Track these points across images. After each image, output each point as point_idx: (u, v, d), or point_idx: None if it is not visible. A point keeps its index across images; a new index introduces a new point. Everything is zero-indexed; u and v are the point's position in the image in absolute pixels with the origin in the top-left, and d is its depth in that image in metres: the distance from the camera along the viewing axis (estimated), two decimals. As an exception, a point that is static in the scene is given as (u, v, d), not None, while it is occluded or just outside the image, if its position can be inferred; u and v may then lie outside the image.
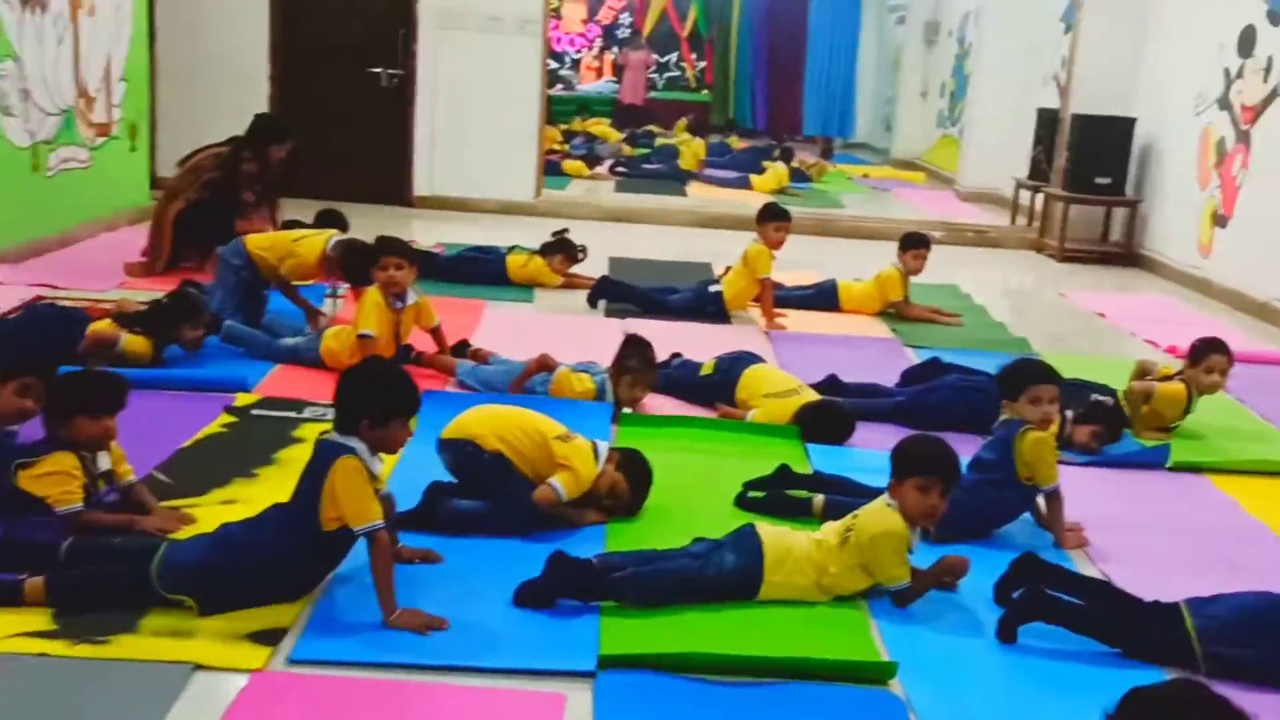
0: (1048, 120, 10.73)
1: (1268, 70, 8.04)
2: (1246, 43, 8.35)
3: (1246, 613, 3.13)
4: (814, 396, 4.92)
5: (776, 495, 4.01)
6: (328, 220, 6.34)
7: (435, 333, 5.30)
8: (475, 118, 10.02)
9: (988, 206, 12.67)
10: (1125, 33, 10.01)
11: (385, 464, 3.84)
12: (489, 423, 3.68)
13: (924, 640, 3.19)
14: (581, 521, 3.69)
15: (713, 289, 6.81)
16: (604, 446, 3.78)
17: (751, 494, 4.02)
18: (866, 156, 18.57)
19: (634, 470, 3.78)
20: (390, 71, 10.07)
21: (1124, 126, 9.67)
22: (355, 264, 5.42)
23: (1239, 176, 8.35)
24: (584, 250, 7.33)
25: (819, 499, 3.96)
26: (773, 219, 6.70)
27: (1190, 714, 1.73)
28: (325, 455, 3.04)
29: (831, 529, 3.41)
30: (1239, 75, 8.43)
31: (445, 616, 3.05)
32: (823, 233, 10.44)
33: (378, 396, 3.06)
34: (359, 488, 3.00)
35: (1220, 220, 8.60)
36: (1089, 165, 9.67)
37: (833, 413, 4.76)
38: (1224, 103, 8.63)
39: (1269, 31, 8.06)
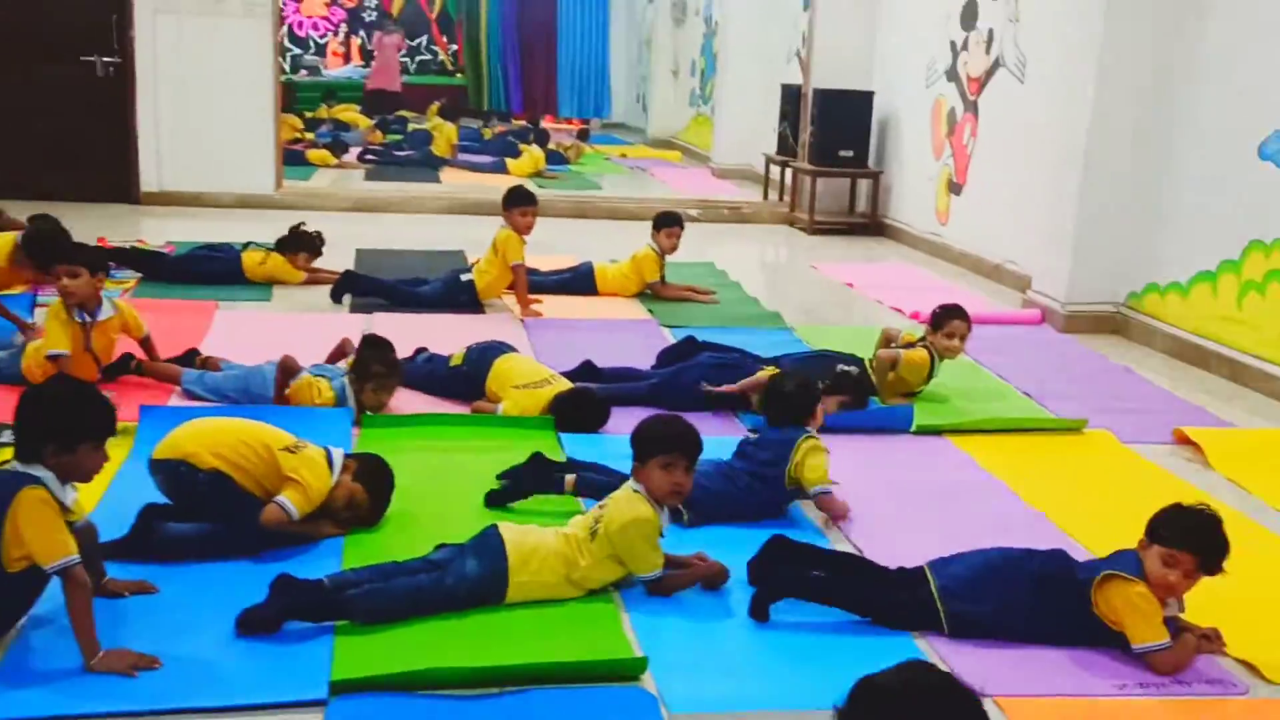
0: (791, 96, 10.96)
1: (989, 42, 8.42)
2: (969, 15, 8.72)
3: (981, 569, 3.20)
4: (566, 385, 4.79)
5: (530, 471, 3.87)
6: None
7: (145, 344, 4.87)
8: (204, 107, 9.43)
9: (743, 183, 12.89)
10: (860, 7, 10.32)
11: (95, 489, 3.54)
12: (203, 438, 3.38)
13: (677, 629, 3.11)
14: (317, 536, 3.44)
15: (464, 278, 6.60)
16: (338, 454, 3.53)
17: (497, 489, 3.84)
18: (625, 136, 18.63)
19: (373, 478, 3.56)
20: (106, 59, 9.36)
21: (863, 100, 9.97)
22: (40, 251, 4.91)
23: (969, 145, 8.73)
24: (319, 236, 6.99)
25: (571, 477, 3.86)
26: (518, 203, 6.54)
27: (919, 699, 1.67)
28: (4, 488, 2.70)
29: (579, 522, 3.30)
30: (964, 47, 8.81)
31: (158, 653, 2.77)
32: (580, 215, 10.38)
33: (61, 419, 2.74)
34: (47, 521, 2.68)
35: (955, 188, 8.97)
36: (832, 139, 9.93)
37: (586, 401, 4.65)
38: (952, 74, 9.00)
39: (989, 4, 8.44)
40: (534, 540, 3.21)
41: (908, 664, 1.73)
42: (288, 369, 4.53)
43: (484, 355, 4.91)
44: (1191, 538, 2.94)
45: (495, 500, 3.80)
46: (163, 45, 9.31)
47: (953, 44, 8.96)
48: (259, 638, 2.89)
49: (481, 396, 4.81)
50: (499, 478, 3.92)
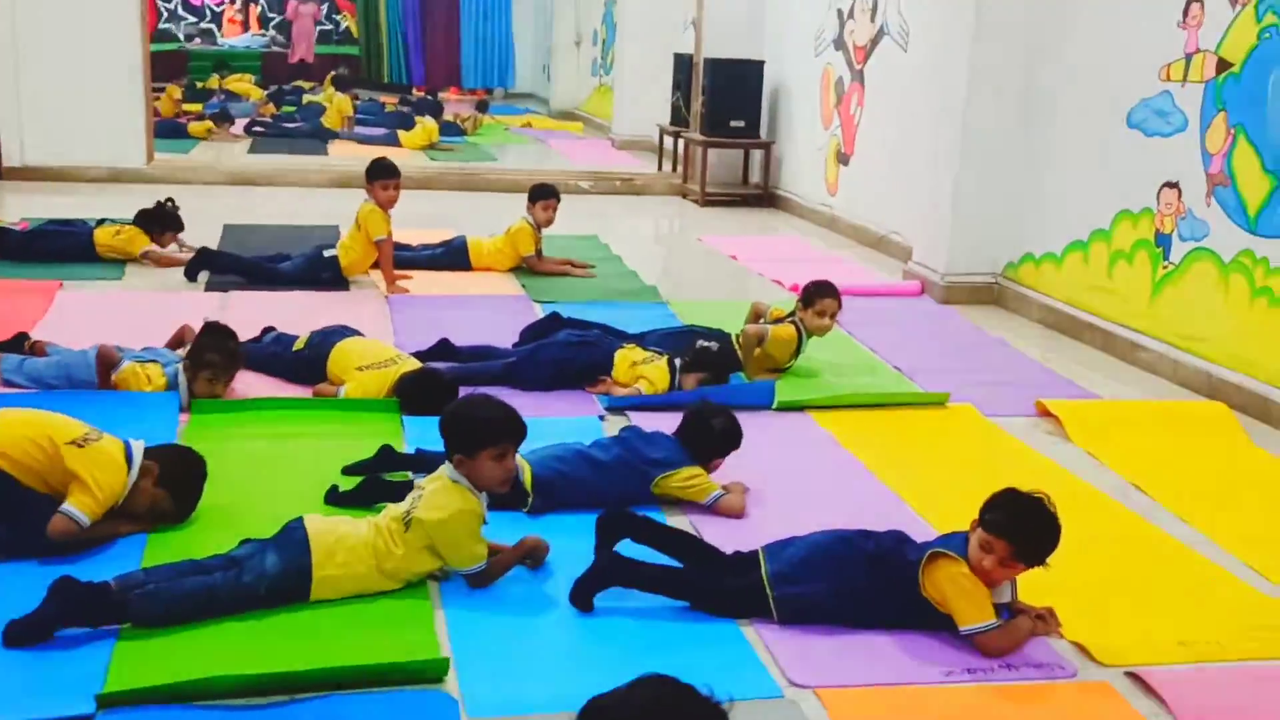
0: (684, 65, 10.80)
1: (874, 10, 8.32)
2: (855, -16, 8.62)
3: (814, 550, 3.10)
4: (414, 365, 4.60)
5: (373, 482, 3.67)
6: None
7: None
8: (68, 76, 8.99)
9: (641, 154, 12.72)
10: (751, -26, 10.19)
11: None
12: (-18, 432, 3.14)
13: (493, 626, 2.96)
14: (115, 535, 3.22)
15: (327, 254, 6.35)
16: (138, 447, 3.29)
17: (343, 489, 3.64)
18: (533, 106, 18.37)
19: (177, 475, 3.32)
20: (-41, 26, 8.91)
21: (754, 69, 9.83)
22: None
23: (856, 115, 8.64)
24: (170, 201, 6.71)
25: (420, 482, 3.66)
26: (379, 176, 6.29)
27: (651, 717, 1.54)
28: None
29: (392, 511, 3.12)
30: (850, 15, 8.70)
31: (-86, 671, 2.56)
32: (469, 188, 10.15)
33: None
34: None
35: (843, 158, 8.89)
36: (723, 109, 9.78)
37: (432, 382, 4.46)
38: (839, 43, 8.90)
39: (874, -27, 8.35)
40: (342, 531, 3.04)
41: (643, 679, 1.60)
42: (106, 360, 4.28)
43: (327, 339, 4.70)
44: (1009, 526, 2.85)
45: (337, 502, 3.58)
46: (21, 10, 8.85)
47: (839, 12, 8.86)
48: (29, 648, 2.67)
49: (324, 381, 4.60)
50: (345, 472, 3.73)
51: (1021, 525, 2.85)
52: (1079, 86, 6.16)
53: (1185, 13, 5.39)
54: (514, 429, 3.13)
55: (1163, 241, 5.56)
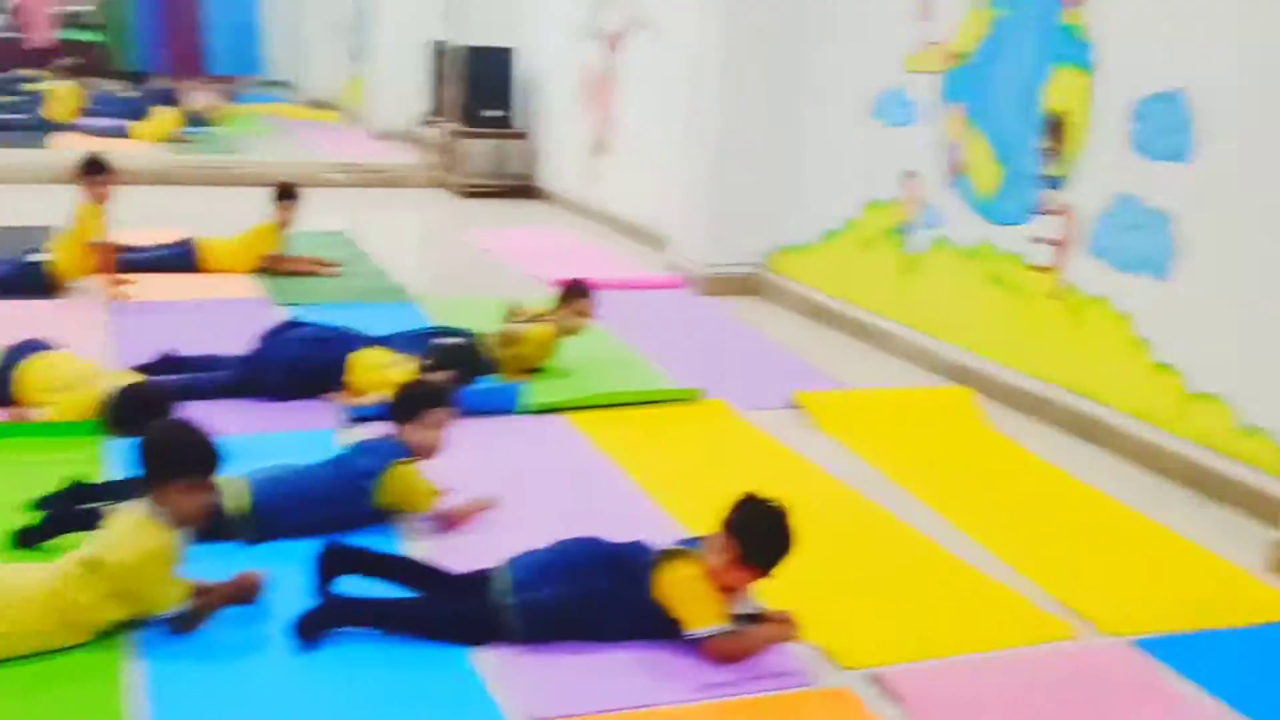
0: (440, 53, 10.46)
1: (626, -3, 8.23)
2: (606, -30, 8.50)
3: (554, 555, 2.96)
4: (126, 380, 4.16)
5: (59, 514, 3.26)
6: None
7: None
8: None
9: (403, 144, 12.27)
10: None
11: None
12: None
13: (202, 678, 2.65)
14: None
15: (34, 259, 5.76)
16: None
17: (30, 526, 3.22)
18: (287, 95, 17.54)
19: None
20: None
21: (505, 57, 9.58)
22: None
23: (612, 105, 8.53)
24: None
25: (112, 509, 3.27)
26: (90, 173, 5.76)
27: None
28: None
29: (74, 555, 2.76)
30: (603, 3, 8.57)
31: None
32: (210, 182, 9.54)
33: None
34: None
35: (601, 149, 8.77)
36: (478, 98, 9.51)
37: (142, 398, 4.01)
38: (592, 31, 8.76)
39: (621, -41, 8.24)
40: (14, 583, 2.67)
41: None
42: None
43: (13, 358, 4.20)
44: (740, 528, 2.81)
45: (28, 541, 3.17)
46: None
47: (592, -1, 8.74)
48: None
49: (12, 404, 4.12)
50: (37, 507, 3.31)
51: (747, 528, 2.81)
52: (830, 77, 6.21)
53: (923, 4, 5.47)
54: (204, 458, 2.82)
55: (906, 230, 5.64)
